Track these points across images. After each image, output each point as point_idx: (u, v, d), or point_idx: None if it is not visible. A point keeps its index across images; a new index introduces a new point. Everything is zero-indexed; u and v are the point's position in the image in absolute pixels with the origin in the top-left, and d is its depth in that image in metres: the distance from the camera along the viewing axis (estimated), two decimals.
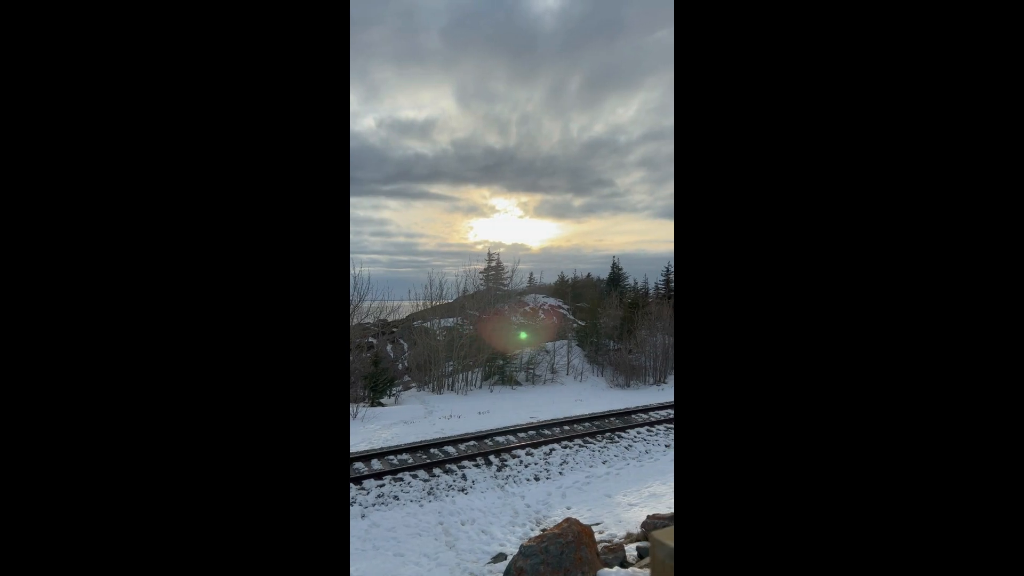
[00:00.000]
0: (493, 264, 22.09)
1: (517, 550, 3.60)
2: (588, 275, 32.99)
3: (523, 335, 18.83)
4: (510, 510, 6.67)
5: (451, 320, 17.97)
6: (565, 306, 26.65)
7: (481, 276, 21.71)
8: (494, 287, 21.32)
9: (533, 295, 26.07)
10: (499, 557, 5.16)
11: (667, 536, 1.02)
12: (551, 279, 32.52)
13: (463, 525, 6.18)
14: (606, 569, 3.11)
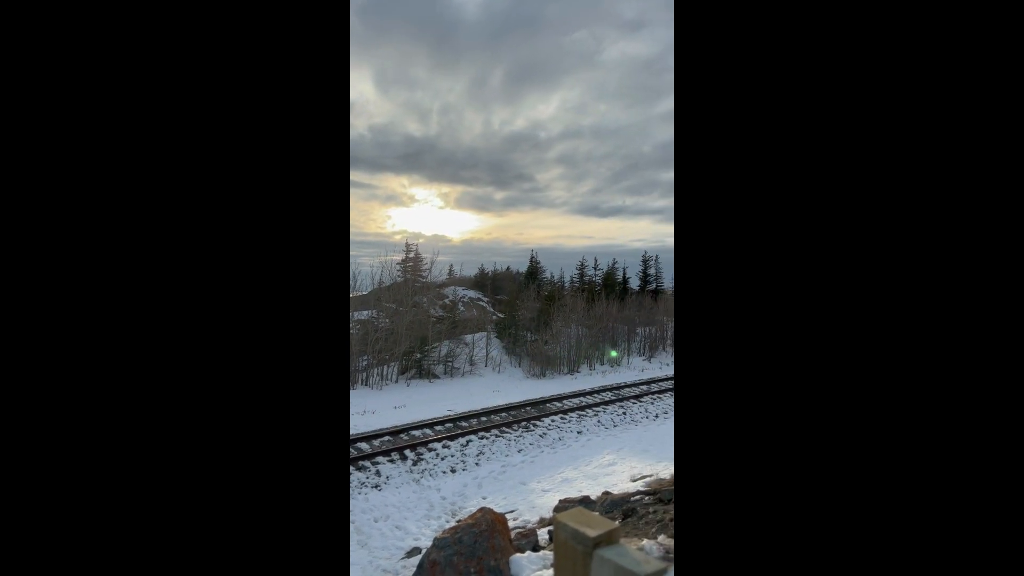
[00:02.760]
0: (411, 255, 21.53)
1: (431, 543, 3.58)
2: (508, 268, 33.50)
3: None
4: (425, 504, 6.62)
5: (366, 313, 17.32)
6: (485, 299, 26.81)
7: (399, 267, 21.08)
8: (412, 279, 20.83)
9: (453, 287, 25.90)
10: (413, 551, 5.10)
11: (569, 518, 1.05)
12: (471, 272, 32.59)
13: (376, 522, 6.03)
14: (518, 554, 3.20)
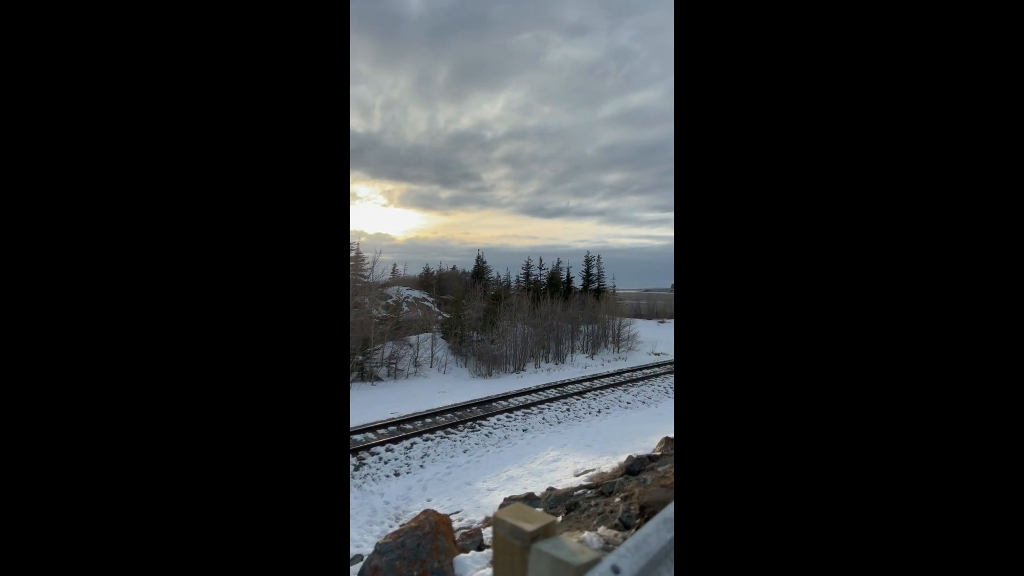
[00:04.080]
0: (353, 254, 20.88)
1: (373, 549, 3.48)
2: (454, 268, 33.20)
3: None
4: (368, 509, 6.44)
5: None
6: (430, 299, 26.43)
7: None
8: (353, 278, 20.18)
9: (396, 287, 25.31)
10: (355, 559, 4.94)
11: (508, 514, 1.06)
12: (416, 271, 32.00)
13: None
14: (462, 555, 3.18)
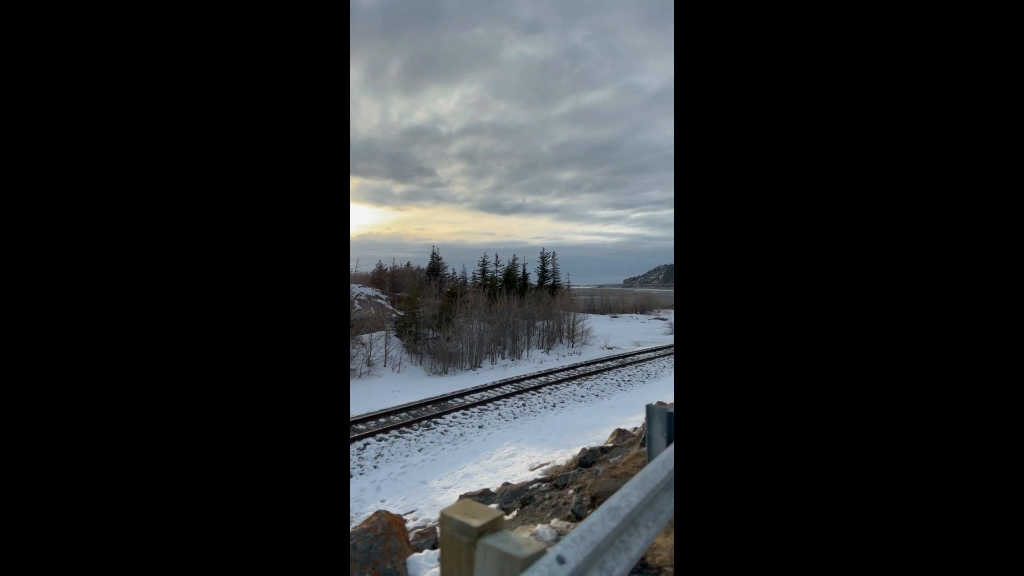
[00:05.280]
0: None
1: None
2: (408, 264, 32.62)
3: None
4: None
5: None
6: (384, 296, 25.88)
7: None
8: None
9: (349, 285, 24.60)
10: None
11: (455, 511, 1.06)
12: (369, 268, 31.20)
13: None
14: (416, 554, 3.15)
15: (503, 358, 19.95)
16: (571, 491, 4.30)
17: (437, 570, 2.92)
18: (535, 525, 2.87)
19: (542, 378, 15.15)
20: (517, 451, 8.34)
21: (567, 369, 16.73)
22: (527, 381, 14.63)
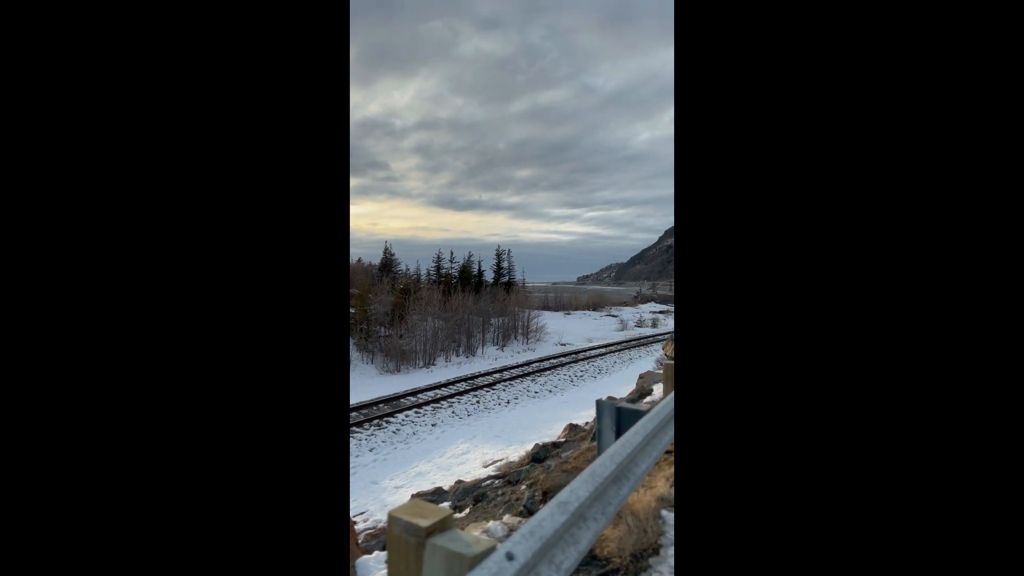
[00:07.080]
0: None
1: None
2: (359, 260, 31.81)
3: None
4: None
5: None
6: None
7: None
8: None
9: None
10: None
11: (403, 511, 1.04)
12: None
13: None
14: (365, 556, 3.07)
15: (458, 355, 19.85)
16: (523, 487, 4.34)
17: (386, 572, 2.87)
18: (487, 522, 2.87)
19: (496, 375, 15.18)
20: (471, 448, 8.32)
21: (521, 366, 16.86)
22: (482, 378, 14.63)
